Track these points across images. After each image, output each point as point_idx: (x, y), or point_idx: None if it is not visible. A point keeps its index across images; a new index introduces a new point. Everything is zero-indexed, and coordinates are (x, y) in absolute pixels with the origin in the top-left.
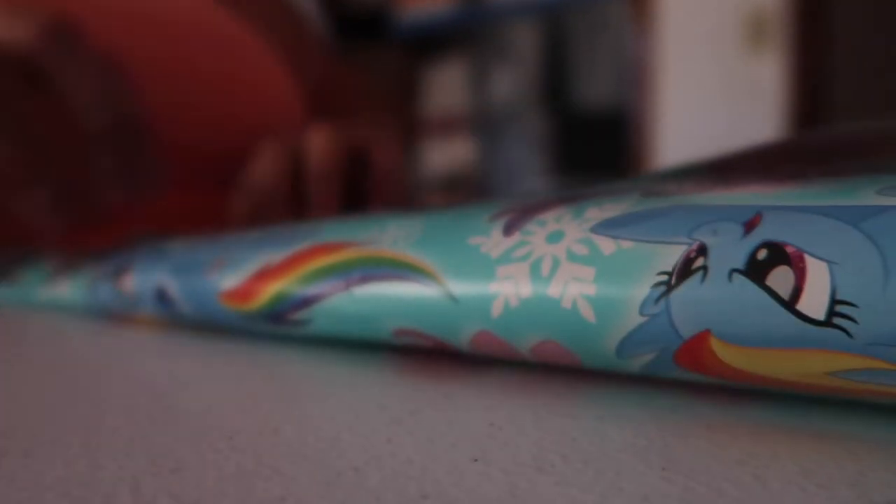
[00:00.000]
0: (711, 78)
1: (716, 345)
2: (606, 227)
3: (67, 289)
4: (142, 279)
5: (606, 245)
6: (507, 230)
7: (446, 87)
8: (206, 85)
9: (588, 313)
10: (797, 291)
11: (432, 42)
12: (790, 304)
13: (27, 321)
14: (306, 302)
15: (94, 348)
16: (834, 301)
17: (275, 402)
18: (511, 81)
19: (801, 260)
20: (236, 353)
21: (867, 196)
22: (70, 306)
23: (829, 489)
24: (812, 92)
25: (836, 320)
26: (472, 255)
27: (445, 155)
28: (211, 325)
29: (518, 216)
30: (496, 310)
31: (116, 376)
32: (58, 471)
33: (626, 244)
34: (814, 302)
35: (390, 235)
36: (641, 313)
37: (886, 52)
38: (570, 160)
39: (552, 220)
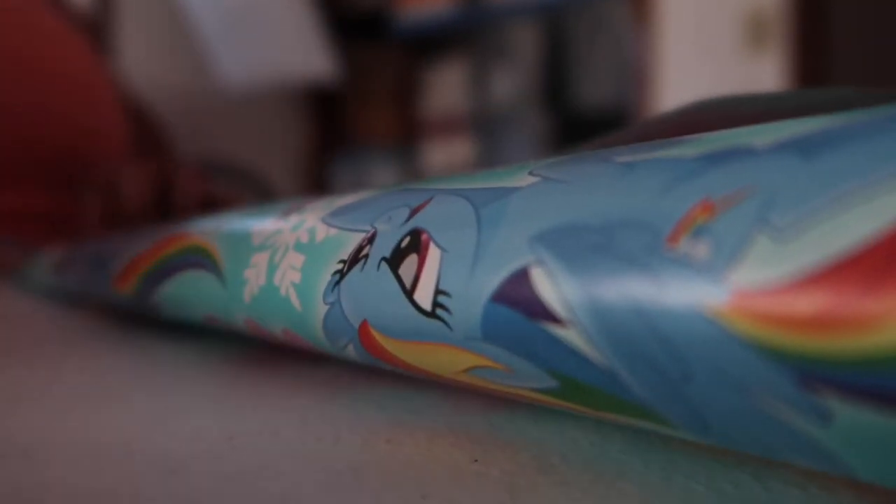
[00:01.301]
0: (711, 78)
1: (376, 335)
2: (334, 215)
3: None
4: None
5: (321, 232)
6: (278, 218)
7: (446, 87)
8: (30, 79)
9: (296, 301)
10: (416, 280)
11: (432, 42)
12: (410, 294)
13: (27, 321)
14: (154, 284)
15: (95, 349)
16: (437, 291)
17: (275, 402)
18: (511, 81)
19: (427, 247)
20: (235, 354)
21: (520, 175)
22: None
23: (829, 490)
24: None
25: (438, 311)
26: (244, 243)
27: (445, 155)
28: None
29: (296, 206)
30: (247, 297)
31: (116, 377)
32: (58, 471)
33: (333, 232)
34: (425, 291)
35: (217, 224)
36: (325, 301)
37: (886, 53)
38: None
39: (309, 209)
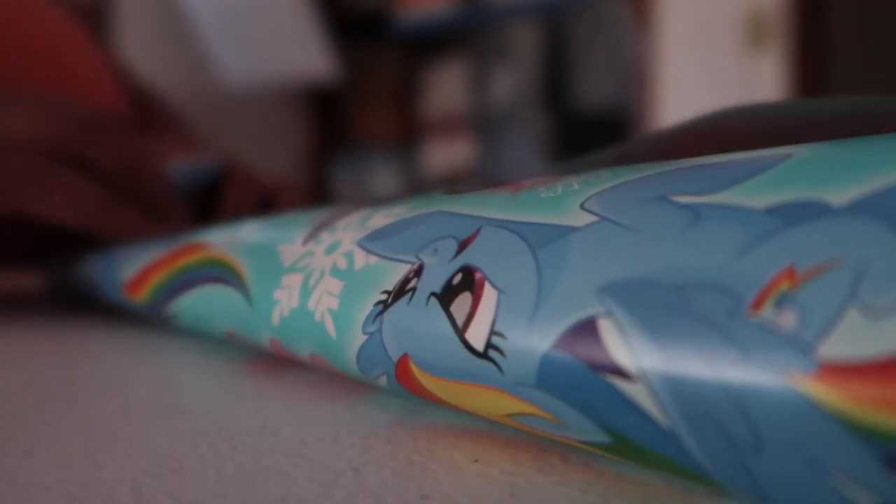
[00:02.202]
0: (711, 78)
1: (416, 371)
2: (369, 240)
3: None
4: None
5: (360, 259)
6: (306, 238)
7: (446, 87)
8: (33, 78)
9: (331, 328)
10: (469, 319)
11: (432, 42)
12: (462, 333)
13: (27, 322)
14: (171, 296)
15: (95, 349)
16: (492, 332)
17: (274, 402)
18: (511, 81)
19: (482, 287)
20: (235, 354)
21: (570, 210)
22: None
23: None
24: (812, 92)
25: (491, 353)
26: (273, 261)
27: (445, 155)
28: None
29: (322, 223)
30: (276, 318)
31: (116, 377)
32: (58, 471)
33: (373, 259)
34: (479, 331)
35: (237, 237)
36: (364, 331)
37: (886, 53)
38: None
39: (341, 228)
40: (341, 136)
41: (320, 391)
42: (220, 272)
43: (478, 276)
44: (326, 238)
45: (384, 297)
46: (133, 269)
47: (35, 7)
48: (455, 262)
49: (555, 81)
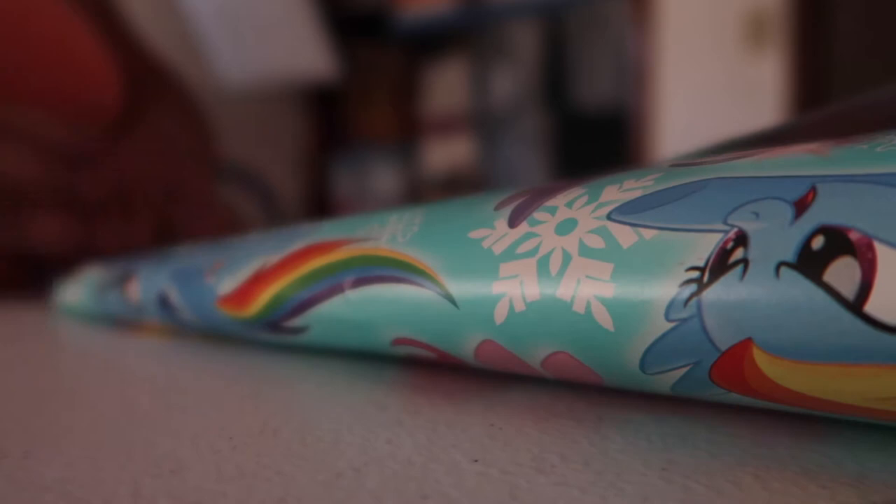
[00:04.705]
0: (711, 77)
1: (760, 358)
2: (625, 212)
3: (78, 295)
4: (146, 286)
5: (625, 235)
6: (513, 220)
7: (446, 87)
8: (25, 61)
9: (604, 319)
10: (865, 289)
11: (432, 42)
12: (856, 306)
13: (26, 323)
14: (302, 307)
15: (94, 349)
16: None
17: (275, 402)
18: (511, 81)
19: (871, 248)
20: (236, 354)
21: None
22: (82, 312)
23: (829, 489)
24: (812, 91)
25: None
26: (472, 250)
27: (445, 155)
28: (216, 334)
29: (526, 203)
30: (500, 315)
31: (116, 377)
32: (58, 471)
33: (649, 233)
34: (887, 302)
35: (389, 230)
36: (668, 318)
37: (886, 53)
38: (570, 160)
39: (563, 205)
40: (341, 135)
41: (320, 391)
42: (395, 271)
43: (853, 235)
44: (548, 217)
45: (693, 274)
46: (233, 281)
47: None
48: (800, 224)
49: (555, 81)
